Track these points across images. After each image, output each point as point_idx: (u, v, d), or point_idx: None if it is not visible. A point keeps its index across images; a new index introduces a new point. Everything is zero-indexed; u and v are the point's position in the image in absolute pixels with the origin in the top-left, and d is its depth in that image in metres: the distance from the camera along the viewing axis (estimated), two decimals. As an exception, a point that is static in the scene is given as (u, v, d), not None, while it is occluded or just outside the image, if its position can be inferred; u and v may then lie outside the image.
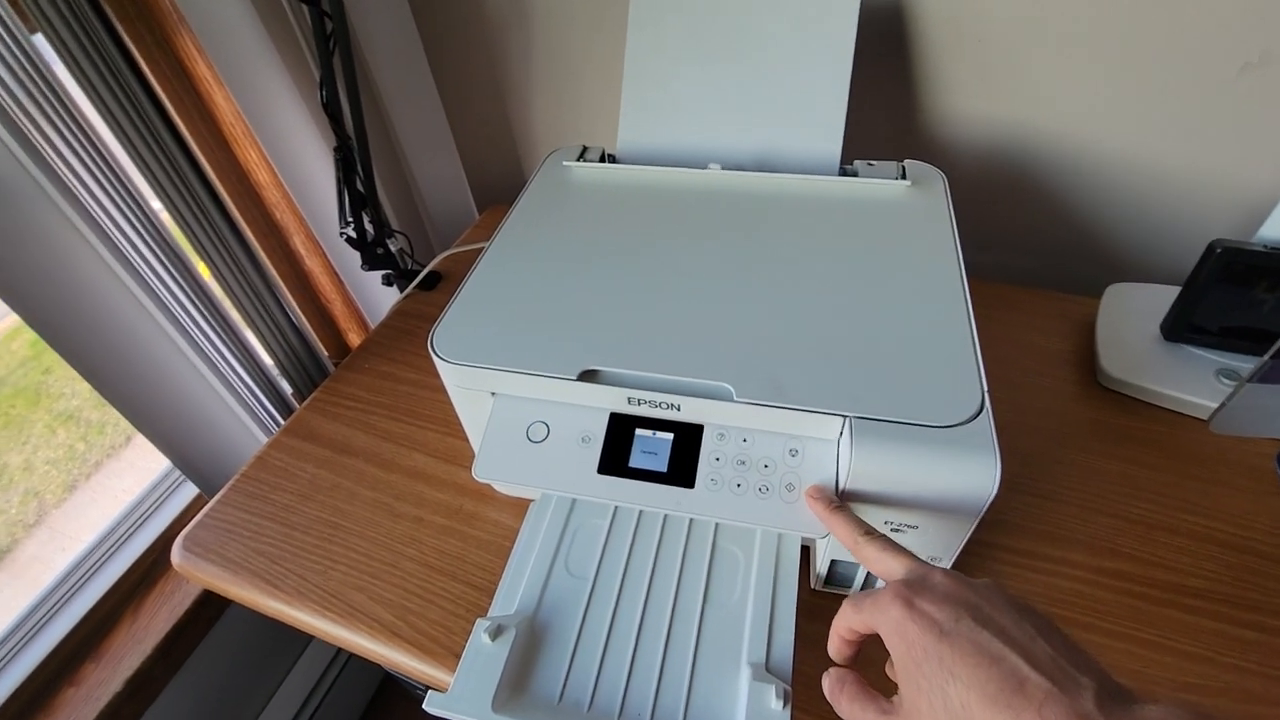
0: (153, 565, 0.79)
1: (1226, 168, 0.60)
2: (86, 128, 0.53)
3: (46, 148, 0.51)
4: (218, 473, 0.71)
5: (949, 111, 0.66)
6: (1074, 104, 0.61)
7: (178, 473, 0.83)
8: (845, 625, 0.32)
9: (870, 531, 0.34)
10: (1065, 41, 0.58)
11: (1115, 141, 0.62)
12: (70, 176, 0.53)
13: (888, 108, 0.67)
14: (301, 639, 1.00)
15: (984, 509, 0.35)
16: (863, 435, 0.36)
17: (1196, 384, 0.54)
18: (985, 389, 0.37)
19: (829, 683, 0.33)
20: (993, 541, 0.49)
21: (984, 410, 0.36)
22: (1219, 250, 0.52)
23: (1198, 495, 0.51)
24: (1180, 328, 0.56)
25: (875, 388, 0.37)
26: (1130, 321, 0.60)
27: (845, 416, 0.36)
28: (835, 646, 0.34)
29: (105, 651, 0.72)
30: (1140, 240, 0.67)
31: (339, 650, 1.04)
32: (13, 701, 0.66)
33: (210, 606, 0.78)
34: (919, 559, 0.31)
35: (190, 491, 0.82)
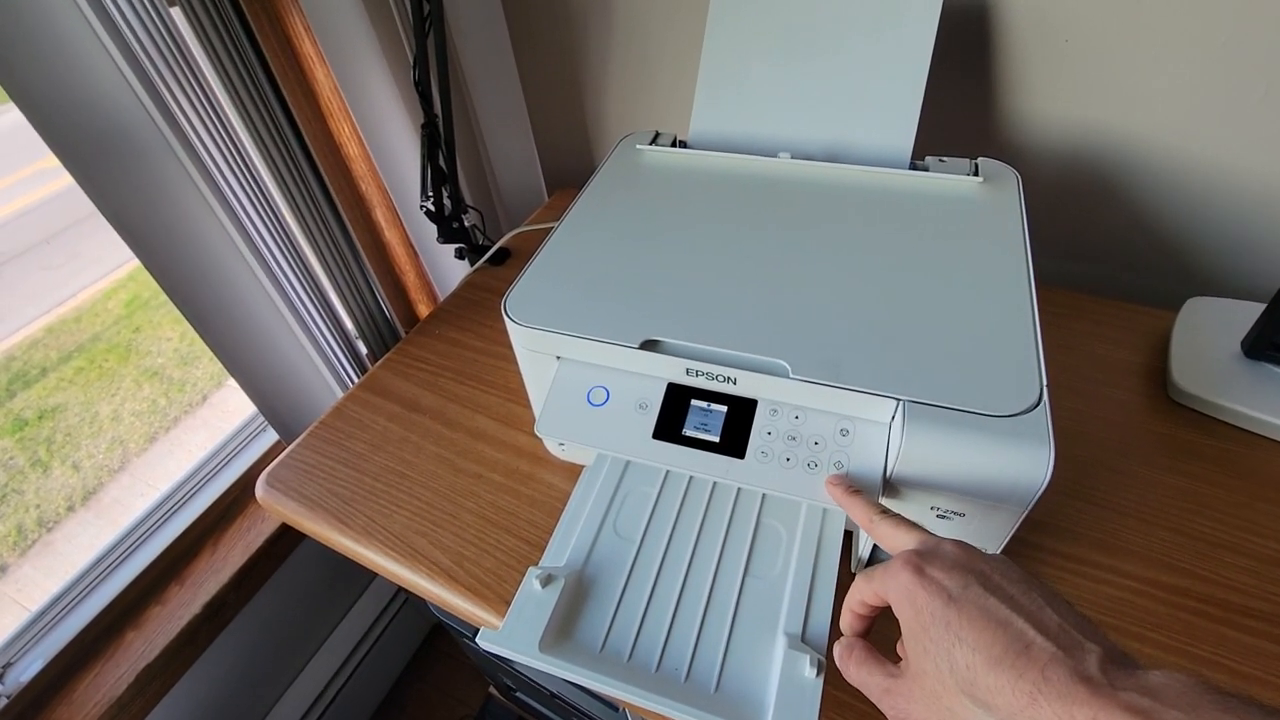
0: (232, 504, 0.86)
1: (1329, 181, 0.57)
2: (210, 94, 0.58)
3: (176, 109, 0.56)
4: (296, 421, 0.77)
5: (1030, 112, 0.64)
6: (1165, 109, 0.59)
7: (253, 425, 0.90)
8: (857, 599, 0.33)
9: (885, 511, 0.34)
10: (1162, 44, 0.56)
11: (1206, 150, 0.60)
12: (194, 137, 0.58)
13: (966, 106, 0.66)
14: (358, 587, 1.06)
15: (1033, 501, 0.35)
16: (915, 419, 0.36)
17: (1276, 403, 0.52)
18: (1044, 383, 0.37)
19: (838, 650, 0.34)
20: (1042, 544, 0.48)
21: (1042, 403, 0.36)
22: (1312, 265, 0.49)
23: (1268, 518, 0.49)
24: (1263, 345, 0.54)
25: (931, 374, 0.38)
26: (1209, 336, 0.58)
27: (899, 400, 0.37)
28: (847, 620, 0.35)
29: (188, 576, 0.79)
30: (1224, 254, 0.65)
31: (390, 600, 1.10)
32: (107, 613, 0.74)
33: (280, 545, 0.84)
34: (932, 533, 0.32)
35: (263, 444, 0.88)
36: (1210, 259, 0.66)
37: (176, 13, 0.54)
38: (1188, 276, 0.67)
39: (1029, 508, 0.36)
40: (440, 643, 1.24)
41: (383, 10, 0.74)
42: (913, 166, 0.56)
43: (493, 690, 0.97)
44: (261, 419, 0.90)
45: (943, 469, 0.37)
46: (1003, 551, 0.41)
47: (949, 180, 0.53)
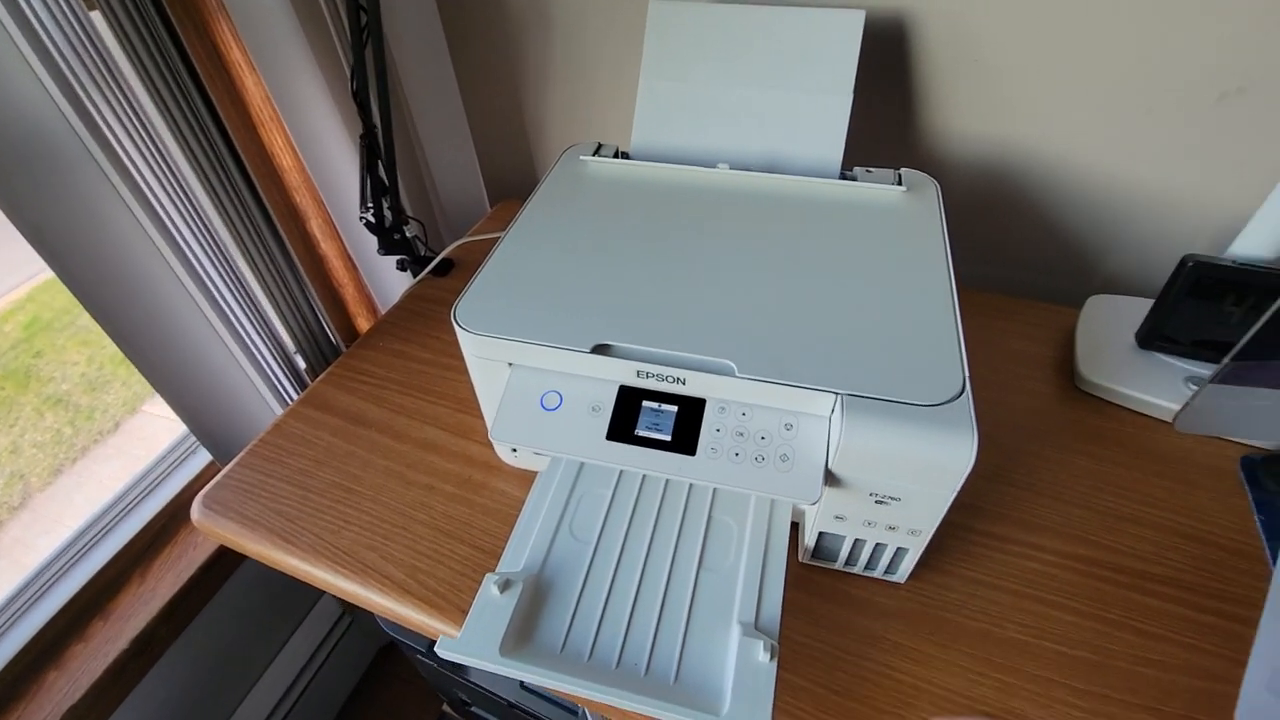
0: (160, 531, 0.81)
1: (1202, 189, 0.64)
2: (133, 100, 0.56)
3: (96, 115, 0.54)
4: (232, 441, 0.74)
5: (946, 128, 0.69)
6: (1063, 126, 0.65)
7: (183, 447, 0.86)
8: None
9: None
10: (1058, 67, 0.62)
11: (1101, 163, 0.66)
12: (116, 144, 0.56)
13: (889, 121, 0.71)
14: (298, 612, 1.02)
15: (961, 481, 0.38)
16: (853, 411, 0.39)
17: (1166, 389, 0.58)
18: (966, 374, 0.40)
19: None
20: (970, 525, 0.52)
21: (965, 392, 0.39)
22: (1190, 264, 0.55)
23: (1163, 492, 0.54)
24: (1153, 337, 0.60)
25: (866, 369, 0.41)
26: (1108, 330, 0.64)
27: (837, 394, 0.40)
28: None
29: (113, 611, 0.75)
30: (1121, 255, 0.71)
31: (334, 625, 1.07)
32: (25, 654, 0.69)
33: (214, 572, 0.80)
34: None
35: (193, 467, 0.84)
36: (1109, 261, 0.72)
37: (96, 16, 0.52)
38: (1090, 277, 0.74)
39: (958, 489, 0.39)
40: (389, 665, 1.20)
41: (316, 19, 0.72)
42: (842, 176, 0.59)
43: (446, 708, 0.95)
44: (191, 441, 0.86)
45: (879, 456, 0.39)
46: (935, 535, 0.44)
47: (876, 189, 0.57)
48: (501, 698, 0.67)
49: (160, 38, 0.56)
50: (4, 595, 0.71)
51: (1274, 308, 0.41)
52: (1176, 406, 0.56)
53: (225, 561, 0.81)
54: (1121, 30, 0.59)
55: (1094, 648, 0.45)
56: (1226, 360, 0.45)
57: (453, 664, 0.69)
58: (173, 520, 0.82)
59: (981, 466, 0.53)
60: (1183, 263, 0.56)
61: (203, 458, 0.85)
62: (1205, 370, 0.59)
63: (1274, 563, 0.49)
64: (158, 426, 0.84)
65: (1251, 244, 0.54)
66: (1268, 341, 0.43)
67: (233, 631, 0.91)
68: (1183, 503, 0.53)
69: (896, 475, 0.40)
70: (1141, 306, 0.61)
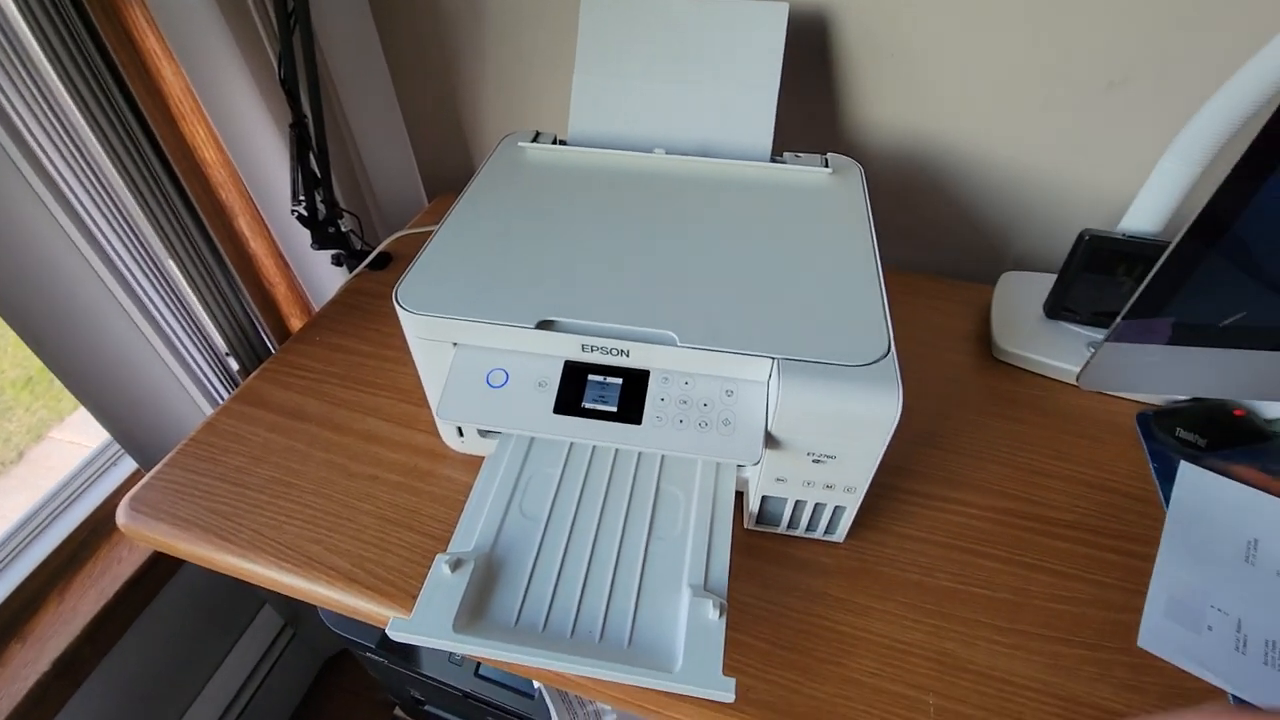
0: (79, 548, 0.77)
1: (1097, 171, 0.69)
2: (45, 89, 0.53)
3: (6, 104, 0.51)
4: (159, 446, 0.71)
5: (868, 117, 0.73)
6: (971, 117, 0.70)
7: (101, 459, 0.81)
8: None
9: None
10: (962, 60, 0.67)
11: (1006, 150, 0.71)
12: (28, 134, 0.53)
13: (817, 109, 0.74)
14: (235, 628, 0.98)
15: (890, 434, 0.41)
16: (789, 373, 0.41)
17: (1070, 353, 0.63)
18: (891, 336, 0.43)
19: None
20: (900, 486, 0.55)
21: (890, 353, 0.42)
22: (1087, 238, 0.60)
23: (1071, 447, 0.59)
24: (1058, 307, 0.65)
25: (799, 335, 0.43)
26: (1019, 304, 0.69)
27: (774, 358, 0.42)
28: None
29: (30, 633, 0.70)
30: (1029, 236, 0.77)
31: (275, 638, 1.03)
32: (-73, 683, 0.63)
33: (140, 588, 0.76)
34: None
35: (112, 480, 0.80)
36: (1019, 240, 0.78)
37: (9, 4, 0.49)
38: (1004, 256, 0.79)
39: (886, 442, 0.42)
40: (335, 677, 1.16)
41: (237, 4, 0.70)
42: (773, 160, 0.62)
43: (398, 712, 0.93)
44: (111, 452, 0.81)
45: (815, 415, 0.41)
46: (870, 497, 0.47)
47: (804, 172, 0.59)
48: (456, 688, 0.66)
49: (73, 23, 0.53)
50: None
51: (1154, 269, 0.46)
52: (1079, 369, 0.61)
53: (153, 576, 0.77)
54: (1018, 28, 0.64)
55: (1014, 589, 0.49)
56: (1119, 319, 0.50)
57: (404, 659, 0.68)
58: (93, 535, 0.77)
59: (909, 433, 0.57)
60: (1080, 237, 0.61)
61: (123, 470, 0.81)
62: (1103, 335, 0.64)
63: (1166, 505, 0.54)
64: (67, 453, 0.79)
65: (1138, 219, 0.60)
66: (1150, 301, 0.48)
67: (165, 649, 0.86)
68: (1088, 456, 0.58)
69: (831, 433, 0.42)
70: (1048, 281, 0.67)
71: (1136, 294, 0.48)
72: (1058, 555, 0.51)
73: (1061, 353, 0.63)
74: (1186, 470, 0.56)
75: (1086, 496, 0.55)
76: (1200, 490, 0.55)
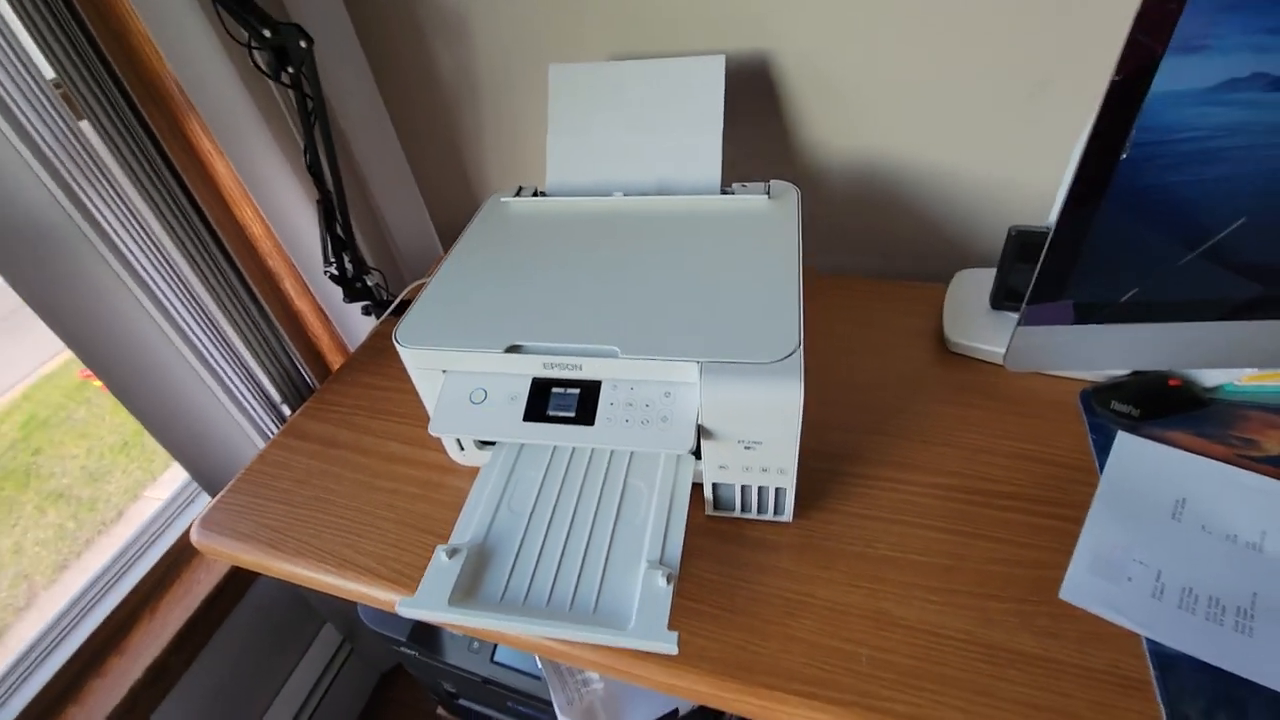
0: (166, 570, 0.89)
1: (1030, 171, 0.75)
2: (121, 192, 0.67)
3: (91, 207, 0.65)
4: (222, 476, 0.83)
5: (815, 142, 0.81)
6: (906, 131, 0.77)
7: (180, 498, 0.95)
8: None
9: None
10: (891, 84, 0.74)
11: (944, 158, 0.78)
12: (109, 230, 0.67)
13: (769, 140, 0.82)
14: (302, 642, 1.09)
15: (799, 419, 0.48)
16: (710, 373, 0.49)
17: (1013, 340, 0.68)
18: (801, 337, 0.50)
19: None
20: (849, 471, 0.61)
21: (796, 351, 0.49)
22: (1014, 234, 0.66)
23: (1015, 426, 0.64)
24: (1000, 298, 0.70)
25: (723, 341, 0.51)
26: (969, 299, 0.74)
27: (699, 362, 0.50)
28: None
29: (127, 647, 0.82)
30: (984, 235, 0.82)
31: (335, 652, 1.14)
32: (53, 685, 0.76)
33: (217, 606, 0.89)
34: None
35: (190, 517, 0.93)
36: (974, 241, 0.83)
37: (85, 126, 0.63)
38: (965, 256, 0.84)
39: (799, 426, 0.49)
40: (391, 691, 1.26)
41: (271, 107, 0.84)
42: (723, 192, 0.70)
43: (440, 711, 1.01)
44: (189, 492, 0.95)
45: (734, 407, 0.49)
46: (818, 480, 0.53)
47: (747, 200, 0.67)
48: (476, 674, 0.74)
49: (139, 137, 0.67)
50: (26, 641, 0.78)
51: (1042, 257, 0.52)
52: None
53: (227, 594, 0.89)
54: (942, 49, 0.70)
55: (950, 555, 0.54)
56: (1023, 306, 0.55)
57: (430, 649, 0.77)
58: (176, 562, 0.90)
59: (862, 423, 0.64)
60: (1009, 233, 0.66)
61: (198, 507, 0.94)
62: (1046, 322, 0.69)
63: (1101, 472, 0.58)
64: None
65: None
66: (1046, 286, 0.53)
67: (239, 663, 0.98)
68: (1032, 433, 0.63)
69: (752, 422, 0.49)
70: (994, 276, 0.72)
71: (1032, 281, 0.53)
72: (994, 524, 0.56)
73: (1005, 340, 0.68)
74: (1123, 439, 0.60)
75: (1026, 470, 0.60)
76: (1134, 456, 0.59)
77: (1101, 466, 0.59)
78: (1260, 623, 0.46)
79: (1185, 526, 0.53)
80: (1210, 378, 0.63)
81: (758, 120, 0.81)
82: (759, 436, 0.50)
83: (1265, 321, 0.53)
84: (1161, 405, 0.61)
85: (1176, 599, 0.49)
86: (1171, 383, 0.62)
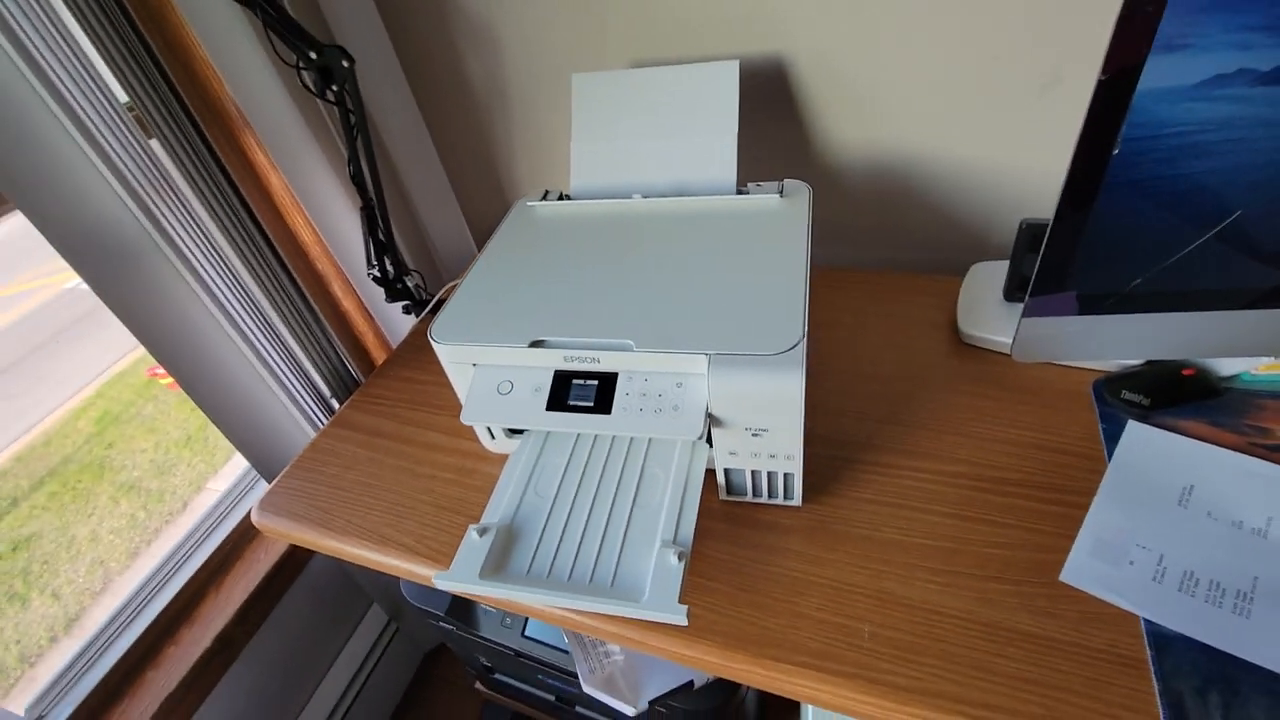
0: (230, 550, 0.97)
1: (1042, 164, 0.76)
2: (186, 203, 0.74)
3: (161, 218, 0.72)
4: (278, 463, 0.90)
5: (832, 140, 0.83)
6: (921, 128, 0.78)
7: (241, 486, 1.03)
8: None
9: None
10: (905, 82, 0.76)
11: (959, 153, 0.79)
12: (177, 238, 0.74)
13: (786, 140, 0.85)
14: (351, 619, 1.16)
15: (801, 408, 0.51)
16: (718, 365, 0.52)
17: (1026, 332, 0.69)
18: (805, 329, 0.53)
19: None
20: (861, 458, 0.64)
21: (800, 343, 0.52)
22: (1024, 226, 0.67)
23: (1026, 415, 0.65)
24: (1013, 290, 0.71)
25: (731, 334, 0.54)
26: (983, 291, 0.75)
27: (708, 354, 0.53)
28: None
29: (197, 618, 0.90)
30: (1001, 227, 0.83)
31: (382, 631, 1.21)
32: (132, 652, 0.85)
33: (276, 582, 0.96)
34: None
35: (249, 504, 1.01)
36: (993, 233, 0.84)
37: (155, 144, 0.70)
38: (984, 248, 0.85)
39: (802, 415, 0.51)
40: (435, 669, 1.33)
41: (318, 123, 0.91)
42: (738, 192, 0.73)
43: (478, 685, 1.07)
44: (249, 480, 1.03)
45: (741, 396, 0.52)
46: (830, 467, 0.56)
47: (760, 199, 0.70)
48: (509, 648, 0.79)
49: (202, 153, 0.74)
50: (110, 611, 0.87)
51: (1041, 250, 0.53)
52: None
53: (284, 572, 0.97)
54: (955, 46, 0.72)
55: (954, 539, 0.56)
56: (1027, 297, 0.57)
57: (466, 624, 0.82)
58: (239, 542, 0.98)
59: (876, 412, 0.67)
60: (1020, 225, 0.68)
61: (258, 493, 1.02)
62: (1061, 313, 0.70)
63: (1109, 459, 0.59)
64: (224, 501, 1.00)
65: (1073, 204, 0.66)
66: (1049, 277, 0.55)
67: (296, 636, 1.06)
68: (1042, 423, 0.64)
69: (758, 410, 0.52)
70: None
71: (1035, 272, 0.55)
72: (999, 509, 0.58)
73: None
74: (1133, 428, 0.61)
75: (1035, 458, 0.61)
76: (1144, 444, 0.60)
77: (1111, 455, 0.60)
78: (1259, 605, 0.47)
79: (1191, 513, 0.54)
80: (1226, 366, 0.63)
81: (773, 119, 0.83)
82: (765, 424, 0.53)
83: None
84: (1173, 394, 0.62)
85: (1177, 582, 0.50)
86: (1185, 372, 0.63)
